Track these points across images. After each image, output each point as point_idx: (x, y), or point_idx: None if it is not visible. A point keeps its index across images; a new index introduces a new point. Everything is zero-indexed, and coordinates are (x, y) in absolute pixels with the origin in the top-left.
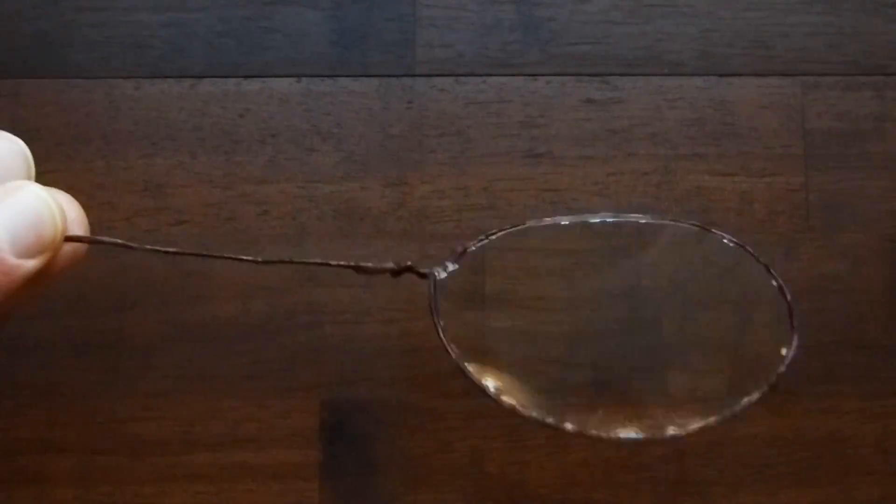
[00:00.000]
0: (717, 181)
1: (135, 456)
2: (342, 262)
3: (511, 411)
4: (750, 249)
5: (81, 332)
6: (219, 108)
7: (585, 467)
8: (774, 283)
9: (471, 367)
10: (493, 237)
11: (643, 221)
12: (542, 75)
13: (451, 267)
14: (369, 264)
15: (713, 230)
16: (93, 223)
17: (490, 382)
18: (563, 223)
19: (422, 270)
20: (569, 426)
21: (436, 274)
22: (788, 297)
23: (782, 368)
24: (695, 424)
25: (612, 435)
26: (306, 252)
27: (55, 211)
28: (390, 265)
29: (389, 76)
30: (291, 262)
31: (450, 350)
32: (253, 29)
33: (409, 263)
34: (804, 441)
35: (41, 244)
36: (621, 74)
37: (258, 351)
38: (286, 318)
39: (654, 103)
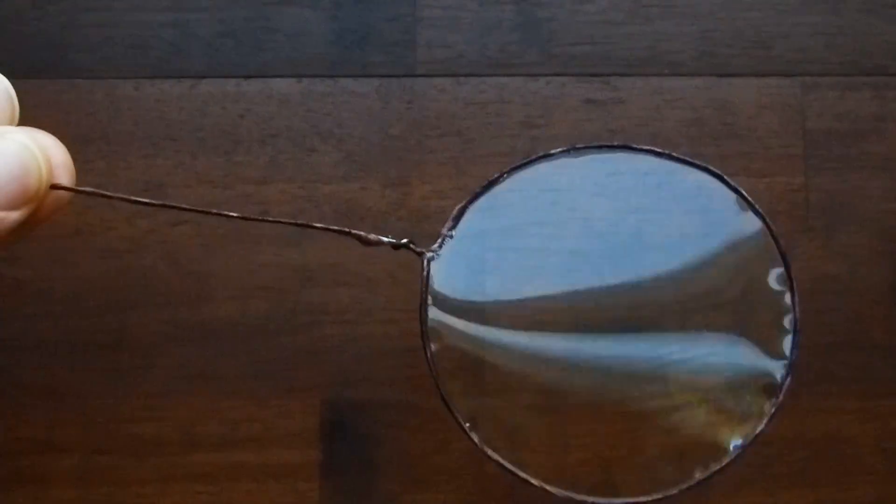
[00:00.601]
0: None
1: (135, 456)
2: (333, 227)
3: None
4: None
5: (81, 332)
6: (219, 108)
7: (585, 467)
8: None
9: (455, 382)
10: (496, 184)
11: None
12: (542, 75)
13: (448, 239)
14: (362, 232)
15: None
16: (93, 222)
17: (465, 401)
18: (574, 154)
19: (417, 249)
20: (534, 481)
21: (429, 256)
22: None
23: (772, 416)
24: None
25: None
26: (306, 252)
27: (40, 161)
28: (387, 238)
29: (389, 76)
30: (277, 222)
31: (436, 378)
32: (253, 29)
33: (405, 240)
34: (804, 441)
35: (25, 196)
36: (621, 75)
37: (258, 351)
38: (286, 318)
39: (654, 103)
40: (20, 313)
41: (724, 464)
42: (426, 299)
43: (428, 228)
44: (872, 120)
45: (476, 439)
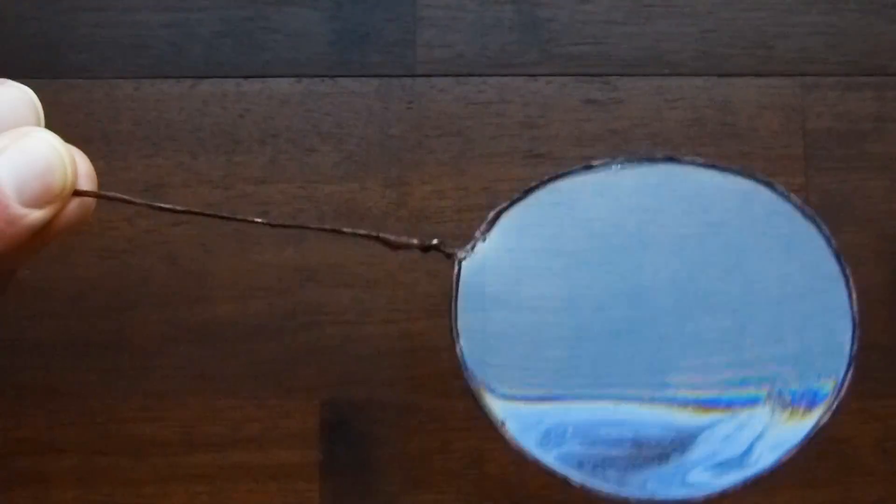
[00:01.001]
0: None
1: (135, 456)
2: (360, 231)
3: (512, 444)
4: (823, 227)
5: (81, 332)
6: (219, 108)
7: None
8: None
9: (491, 402)
10: (535, 191)
11: (707, 167)
12: (542, 75)
13: (479, 243)
14: (391, 236)
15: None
16: (93, 222)
17: (498, 406)
18: (616, 166)
19: (448, 250)
20: (574, 479)
21: (461, 256)
22: (854, 309)
23: (826, 418)
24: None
25: (622, 496)
26: (306, 252)
27: (66, 160)
28: (415, 241)
29: (389, 76)
30: (305, 228)
31: (466, 374)
32: (253, 29)
33: (435, 241)
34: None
35: (49, 194)
36: (621, 75)
37: (258, 351)
38: (286, 318)
39: (654, 103)
40: (20, 313)
41: (784, 458)
42: (457, 300)
43: (428, 229)
44: (873, 120)
45: (510, 438)
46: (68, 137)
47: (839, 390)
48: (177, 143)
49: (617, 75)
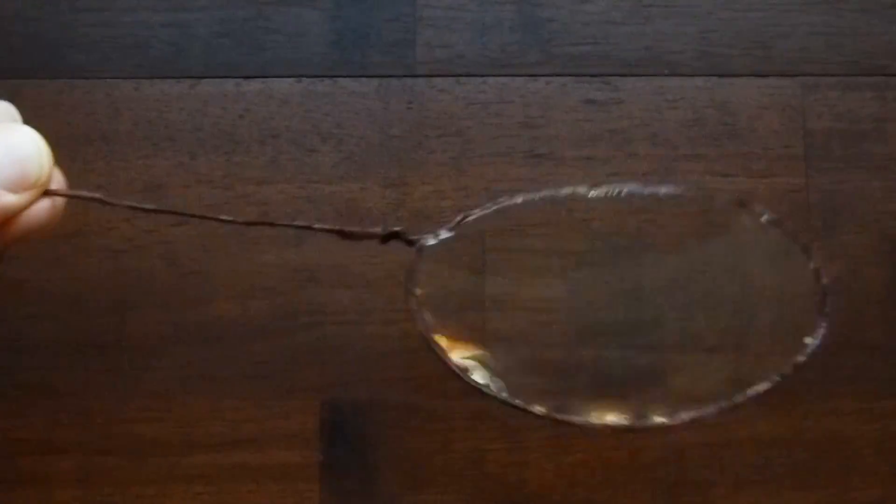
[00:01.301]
0: (718, 182)
1: (135, 457)
2: (326, 226)
3: (476, 389)
4: (787, 227)
5: (81, 332)
6: (219, 108)
7: (585, 468)
8: (811, 265)
9: (444, 343)
10: (498, 206)
11: (664, 192)
12: (543, 76)
13: (443, 235)
14: (355, 228)
15: (748, 206)
16: (92, 223)
17: (462, 358)
18: (585, 192)
19: (410, 237)
20: (538, 409)
21: (423, 242)
22: (824, 280)
23: (801, 358)
24: (687, 414)
25: (586, 420)
26: (307, 252)
27: (43, 154)
28: (377, 230)
29: (389, 76)
30: (272, 225)
31: (418, 320)
32: (253, 29)
33: (397, 229)
34: (804, 441)
35: (25, 181)
36: (621, 75)
37: (259, 352)
38: (287, 318)
39: (655, 104)
40: (20, 313)
41: (737, 402)
42: (414, 284)
43: (428, 229)
44: (873, 120)
45: (470, 380)
46: (68, 137)
47: (818, 334)
48: (176, 144)
49: (617, 75)
